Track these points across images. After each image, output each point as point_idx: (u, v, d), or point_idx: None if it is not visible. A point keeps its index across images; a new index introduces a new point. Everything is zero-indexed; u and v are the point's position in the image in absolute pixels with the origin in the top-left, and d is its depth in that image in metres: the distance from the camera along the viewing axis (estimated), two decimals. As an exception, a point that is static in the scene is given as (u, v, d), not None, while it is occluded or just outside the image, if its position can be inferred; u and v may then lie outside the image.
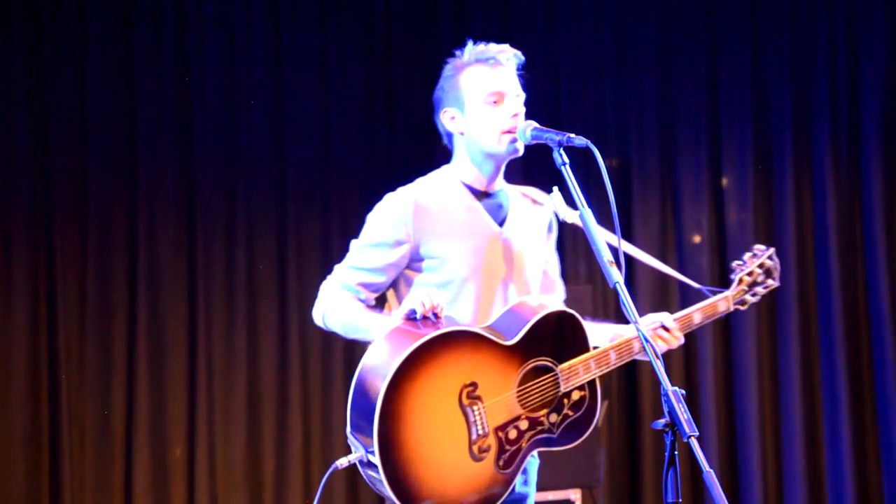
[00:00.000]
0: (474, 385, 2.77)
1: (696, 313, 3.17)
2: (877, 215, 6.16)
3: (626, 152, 6.44)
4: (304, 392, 6.10)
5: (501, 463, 2.80)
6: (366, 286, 3.02)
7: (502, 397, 2.81)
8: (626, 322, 2.82)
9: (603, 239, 2.72)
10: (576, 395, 2.92)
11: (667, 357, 3.50)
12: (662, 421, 2.47)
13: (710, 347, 6.25)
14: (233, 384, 5.99)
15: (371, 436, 2.65)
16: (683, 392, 2.48)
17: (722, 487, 2.36)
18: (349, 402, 2.75)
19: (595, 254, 2.69)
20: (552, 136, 2.86)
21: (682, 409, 2.44)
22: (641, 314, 2.80)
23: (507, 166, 3.10)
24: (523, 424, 2.83)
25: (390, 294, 3.09)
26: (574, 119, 6.38)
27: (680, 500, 2.48)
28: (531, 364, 2.86)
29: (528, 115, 3.02)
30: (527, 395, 2.85)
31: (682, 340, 3.11)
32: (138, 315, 5.83)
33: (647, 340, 2.55)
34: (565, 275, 3.29)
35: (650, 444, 6.26)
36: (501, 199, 3.10)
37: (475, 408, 2.77)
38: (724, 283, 3.35)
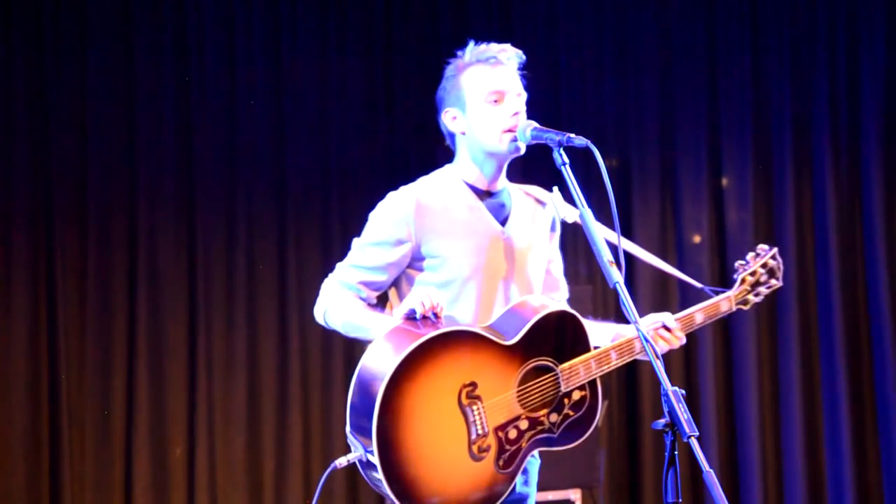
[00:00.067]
0: (473, 385, 2.77)
1: (697, 313, 3.17)
2: (877, 215, 6.17)
3: (626, 152, 6.44)
4: (304, 392, 6.10)
5: (501, 463, 2.80)
6: (367, 285, 3.02)
7: (502, 397, 2.81)
8: (628, 322, 2.81)
9: (603, 239, 2.73)
10: (576, 395, 2.92)
11: (667, 357, 3.49)
12: (662, 421, 2.47)
13: (710, 347, 6.25)
14: (233, 384, 5.99)
15: (370, 436, 2.65)
16: (683, 392, 2.48)
17: (722, 487, 2.36)
18: (348, 402, 2.75)
19: (595, 254, 2.69)
20: (552, 136, 2.86)
21: (682, 409, 2.44)
22: (641, 314, 2.80)
23: (508, 166, 3.10)
24: (523, 424, 2.83)
25: (392, 293, 3.09)
26: (574, 119, 6.38)
27: (680, 500, 2.48)
28: (531, 364, 2.86)
29: (529, 116, 3.02)
30: (527, 394, 2.85)
31: (684, 340, 3.11)
32: (138, 315, 5.83)
33: (646, 340, 2.55)
34: (565, 275, 3.29)
35: (650, 444, 6.26)
36: (504, 199, 3.10)
37: (474, 408, 2.77)
38: (725, 283, 3.35)
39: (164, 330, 5.89)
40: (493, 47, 3.04)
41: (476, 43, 3.05)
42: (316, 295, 3.06)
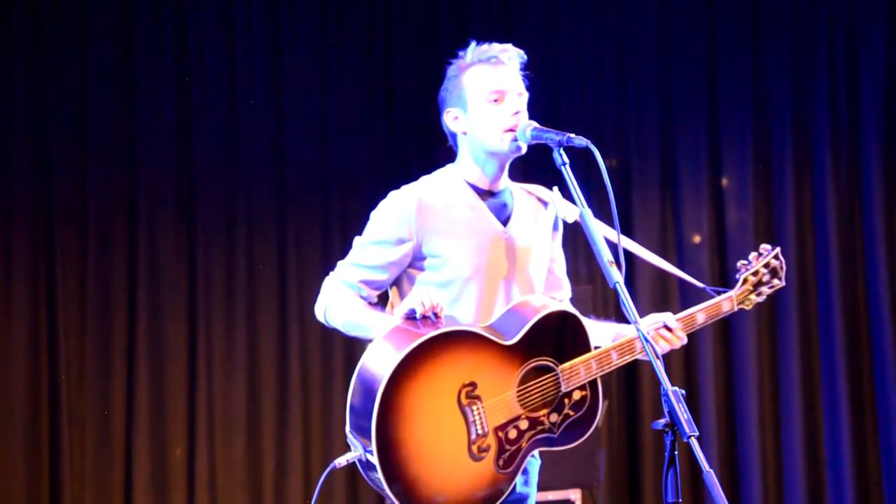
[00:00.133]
0: (473, 385, 2.77)
1: (699, 313, 3.16)
2: (877, 215, 6.16)
3: (626, 152, 6.43)
4: (304, 392, 6.10)
5: (501, 463, 2.79)
6: (368, 283, 3.02)
7: (502, 397, 2.81)
8: (628, 322, 2.81)
9: (603, 238, 2.73)
10: (577, 395, 2.92)
11: (667, 357, 3.49)
12: (662, 421, 2.47)
13: (710, 347, 6.25)
14: (233, 384, 5.99)
15: (370, 436, 2.65)
16: (683, 392, 2.48)
17: (722, 487, 2.36)
18: (348, 402, 2.76)
19: (595, 254, 2.69)
20: (552, 136, 2.86)
21: (682, 409, 2.44)
22: (642, 314, 2.80)
23: (509, 166, 3.10)
24: (523, 424, 2.83)
25: (393, 292, 3.09)
26: (574, 119, 6.38)
27: (680, 500, 2.48)
28: (531, 364, 2.86)
29: (529, 116, 3.02)
30: (527, 394, 2.85)
31: (685, 340, 3.10)
32: (138, 315, 5.83)
33: (646, 340, 2.55)
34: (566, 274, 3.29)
35: (650, 444, 6.25)
36: (506, 198, 3.10)
37: (474, 407, 2.76)
38: (725, 283, 3.35)
39: (164, 330, 5.89)
40: (495, 47, 3.04)
41: (478, 43, 3.05)
42: (316, 294, 3.06)
